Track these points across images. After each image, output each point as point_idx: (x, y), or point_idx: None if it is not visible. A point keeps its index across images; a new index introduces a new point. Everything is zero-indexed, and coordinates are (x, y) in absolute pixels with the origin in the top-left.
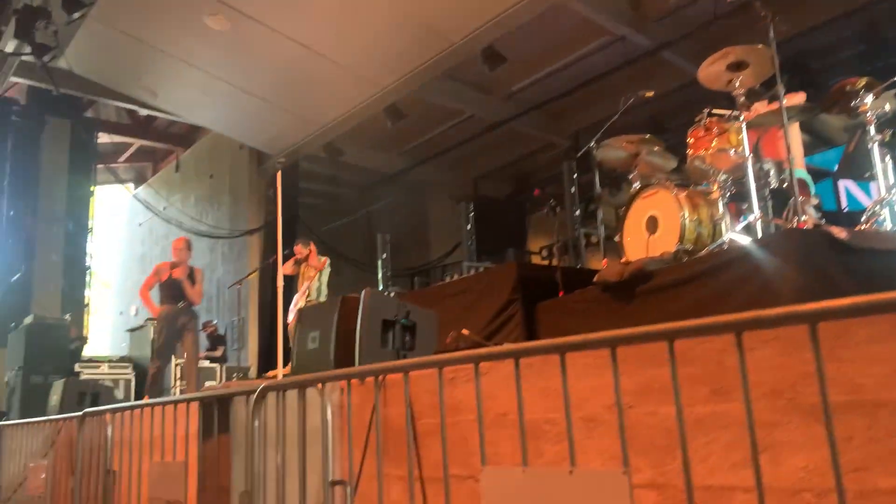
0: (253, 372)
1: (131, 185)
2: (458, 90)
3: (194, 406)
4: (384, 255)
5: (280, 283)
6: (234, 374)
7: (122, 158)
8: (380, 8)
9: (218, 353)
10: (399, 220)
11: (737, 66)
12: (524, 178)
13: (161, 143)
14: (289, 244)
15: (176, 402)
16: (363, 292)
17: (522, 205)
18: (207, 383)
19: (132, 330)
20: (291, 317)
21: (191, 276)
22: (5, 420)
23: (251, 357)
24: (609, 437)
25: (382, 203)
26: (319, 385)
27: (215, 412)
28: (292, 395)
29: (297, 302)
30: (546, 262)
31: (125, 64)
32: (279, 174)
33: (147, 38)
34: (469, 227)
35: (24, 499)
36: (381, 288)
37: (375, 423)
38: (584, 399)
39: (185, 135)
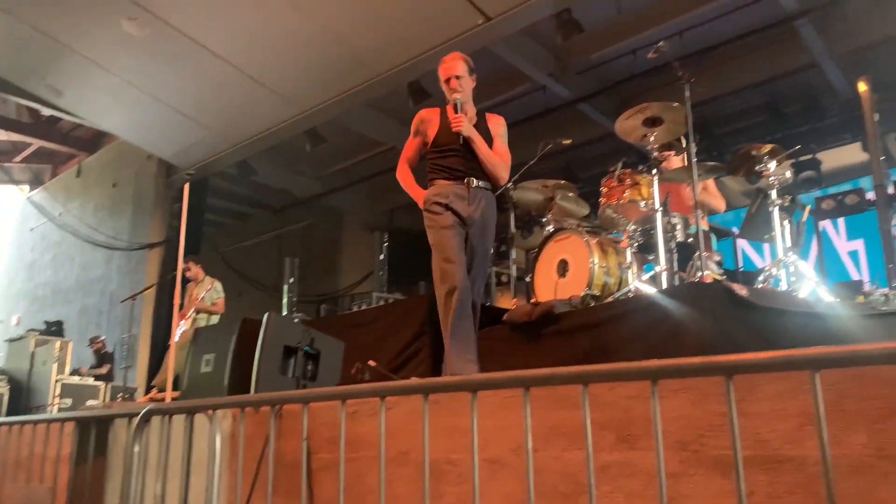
0: (140, 393)
1: (26, 188)
2: (381, 121)
3: (70, 426)
4: (291, 280)
5: (177, 300)
6: (120, 395)
7: (19, 158)
8: (307, 30)
9: (104, 370)
10: (310, 246)
11: (652, 122)
12: None
13: (63, 146)
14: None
15: (49, 422)
16: (266, 315)
17: None
18: (89, 402)
19: (11, 340)
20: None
21: (483, 126)
22: None
23: (139, 377)
24: (512, 481)
25: (294, 227)
26: (210, 411)
27: (92, 434)
28: (179, 420)
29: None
30: None
31: (30, 59)
32: (186, 187)
33: (58, 34)
34: (382, 257)
35: None
36: (285, 314)
37: (268, 456)
38: (488, 440)
39: (91, 140)
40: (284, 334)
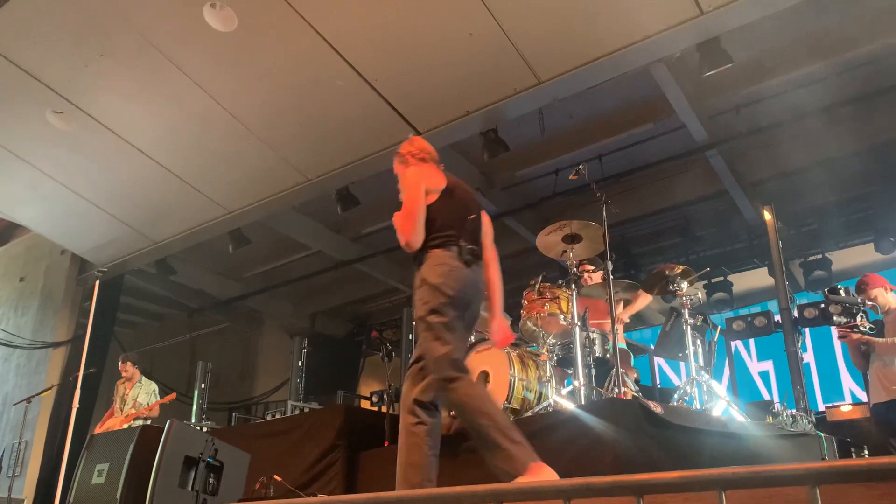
0: None
1: None
2: (307, 225)
3: None
4: (202, 385)
5: (75, 404)
6: None
7: None
8: (237, 133)
9: None
10: (226, 350)
11: (571, 239)
12: (364, 320)
13: None
14: (97, 363)
15: None
16: (167, 423)
17: (359, 346)
18: None
19: None
20: None
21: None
22: None
23: (27, 488)
24: None
25: (211, 329)
26: None
27: None
28: None
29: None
30: (375, 409)
31: None
32: (96, 284)
33: None
34: (300, 363)
35: None
36: (193, 421)
37: None
38: None
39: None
40: (187, 444)
